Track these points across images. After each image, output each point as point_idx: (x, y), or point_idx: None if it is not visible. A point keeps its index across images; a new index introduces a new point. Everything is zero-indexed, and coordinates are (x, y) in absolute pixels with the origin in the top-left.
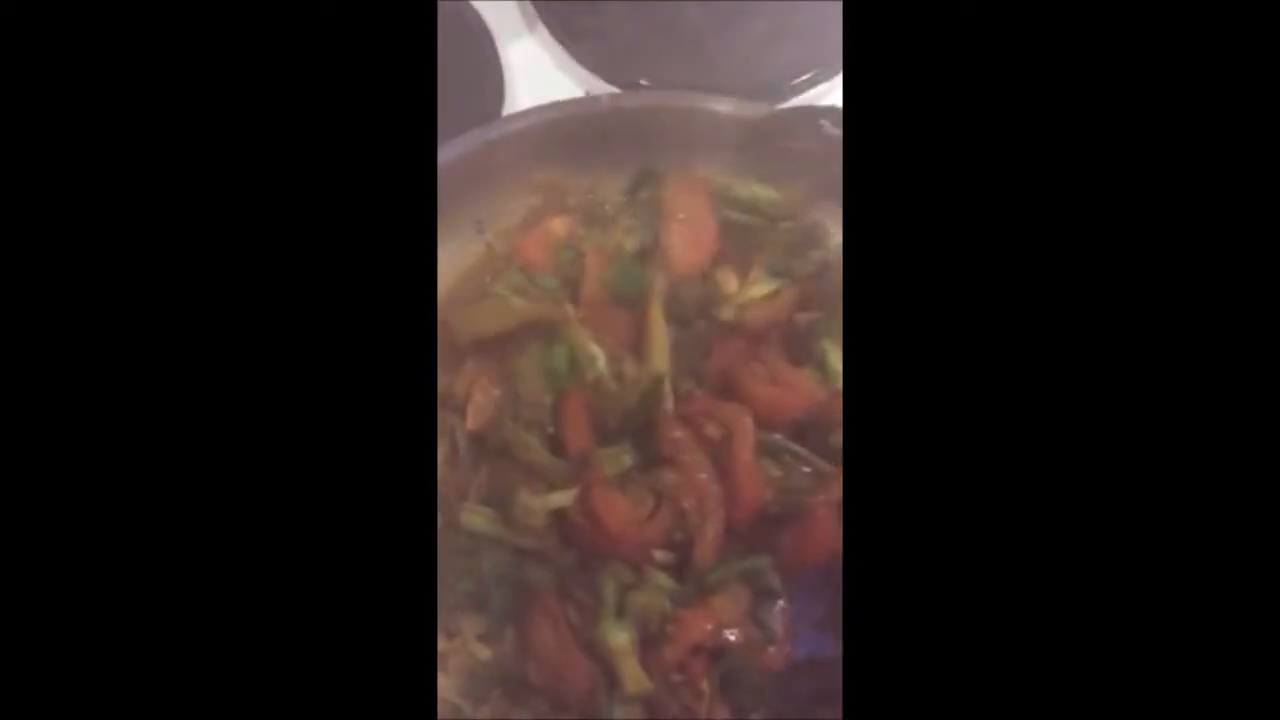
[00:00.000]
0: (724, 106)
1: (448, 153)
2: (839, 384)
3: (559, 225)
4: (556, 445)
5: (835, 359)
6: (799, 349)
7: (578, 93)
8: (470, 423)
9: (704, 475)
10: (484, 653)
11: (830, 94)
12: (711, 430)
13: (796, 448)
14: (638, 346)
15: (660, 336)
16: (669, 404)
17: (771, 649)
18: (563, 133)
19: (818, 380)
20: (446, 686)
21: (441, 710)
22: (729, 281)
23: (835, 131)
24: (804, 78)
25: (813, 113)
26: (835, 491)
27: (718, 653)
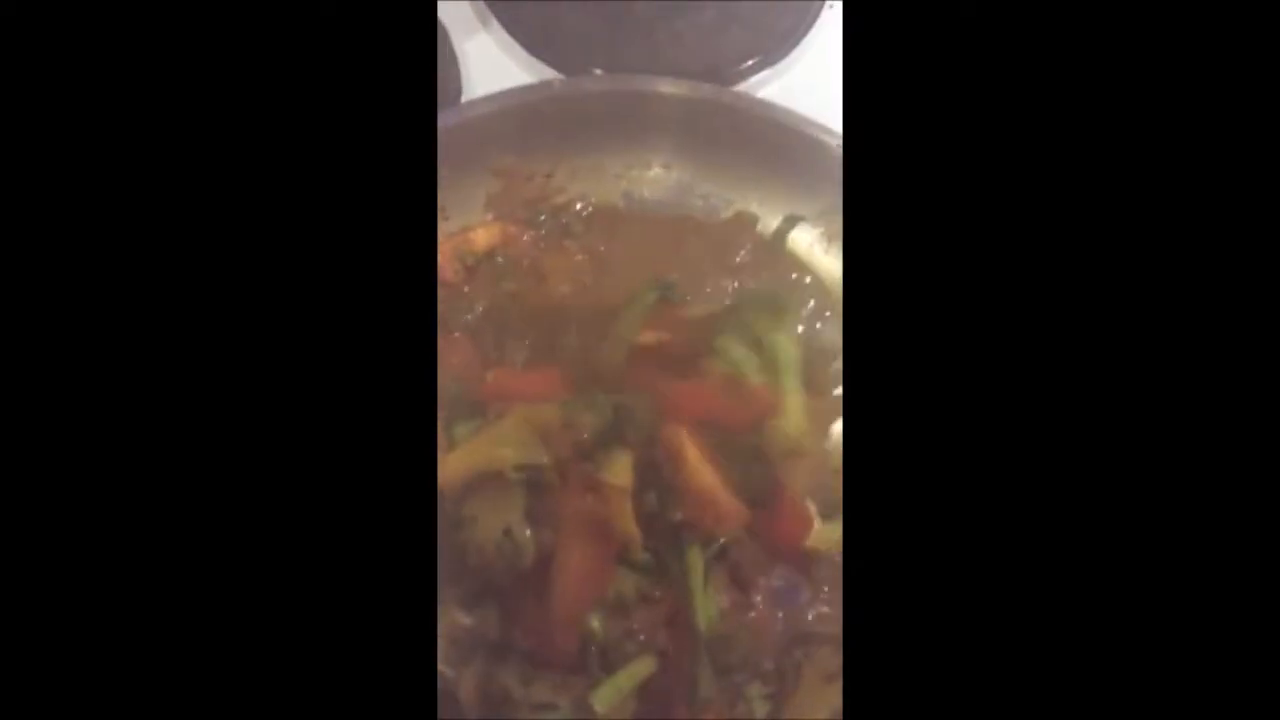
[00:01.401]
0: (673, 89)
1: None
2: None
3: (481, 236)
4: None
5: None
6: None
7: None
8: None
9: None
10: (466, 619)
11: (774, 79)
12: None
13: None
14: None
15: None
16: None
17: (752, 614)
18: (519, 118)
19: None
20: None
21: None
22: None
23: (770, 113)
24: (749, 63)
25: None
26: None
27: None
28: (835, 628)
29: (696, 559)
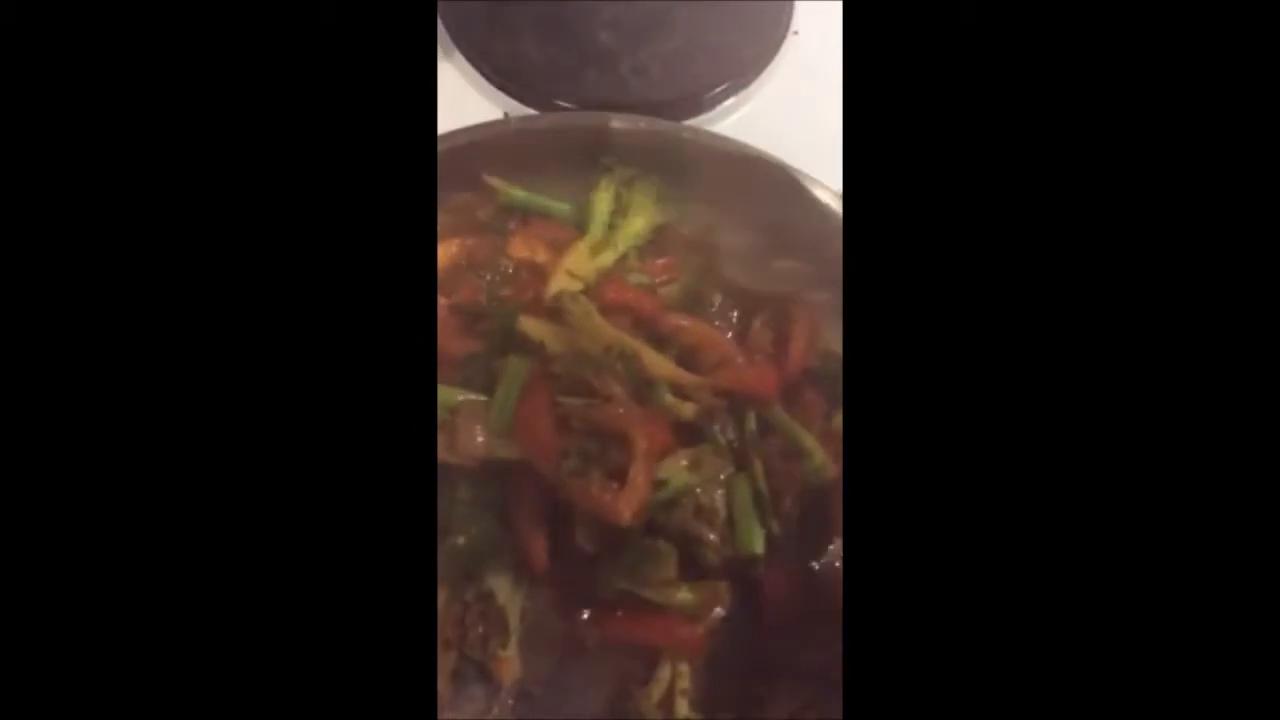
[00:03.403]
0: (626, 124)
1: None
2: None
3: (440, 254)
4: None
5: None
6: None
7: (497, 115)
8: None
9: None
10: None
11: (744, 104)
12: None
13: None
14: None
15: None
16: None
17: None
18: (474, 155)
19: None
20: None
21: None
22: None
23: (724, 146)
24: (718, 89)
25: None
26: None
27: None
28: None
29: None
